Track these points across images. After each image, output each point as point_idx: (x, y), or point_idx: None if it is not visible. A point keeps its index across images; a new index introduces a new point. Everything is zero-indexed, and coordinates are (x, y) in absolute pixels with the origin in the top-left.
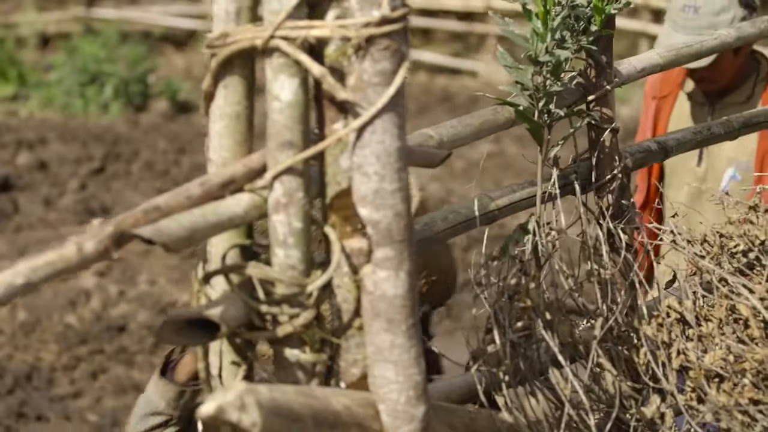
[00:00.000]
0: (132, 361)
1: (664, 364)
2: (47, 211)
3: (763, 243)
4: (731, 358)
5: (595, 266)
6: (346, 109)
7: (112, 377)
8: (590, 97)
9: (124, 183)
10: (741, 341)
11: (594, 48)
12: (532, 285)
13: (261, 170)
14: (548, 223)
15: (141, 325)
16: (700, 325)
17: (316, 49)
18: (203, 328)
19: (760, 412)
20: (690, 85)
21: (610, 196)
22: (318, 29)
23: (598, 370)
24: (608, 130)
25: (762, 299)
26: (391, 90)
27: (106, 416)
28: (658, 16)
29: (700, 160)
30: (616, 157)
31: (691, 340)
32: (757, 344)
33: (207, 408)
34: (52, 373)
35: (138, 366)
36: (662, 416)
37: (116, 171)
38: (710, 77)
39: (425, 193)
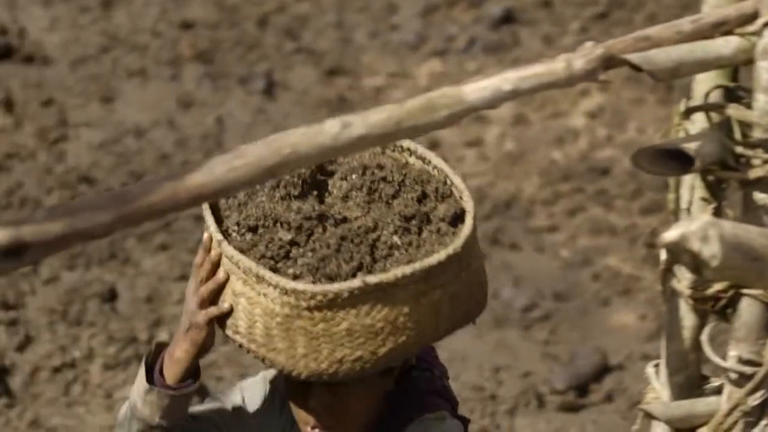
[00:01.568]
0: (611, 204)
1: None
2: (546, 48)
3: None
4: None
5: None
6: None
7: (590, 217)
8: None
9: (626, 31)
10: None
11: None
12: None
13: (753, 16)
14: None
15: (624, 171)
16: None
17: None
18: (678, 161)
19: None
20: None
21: None
22: None
23: None
24: None
25: None
26: None
27: (578, 254)
28: None
29: None
30: None
31: None
32: None
33: (670, 234)
34: (531, 205)
35: (616, 210)
36: None
37: (619, 18)
38: None
39: None
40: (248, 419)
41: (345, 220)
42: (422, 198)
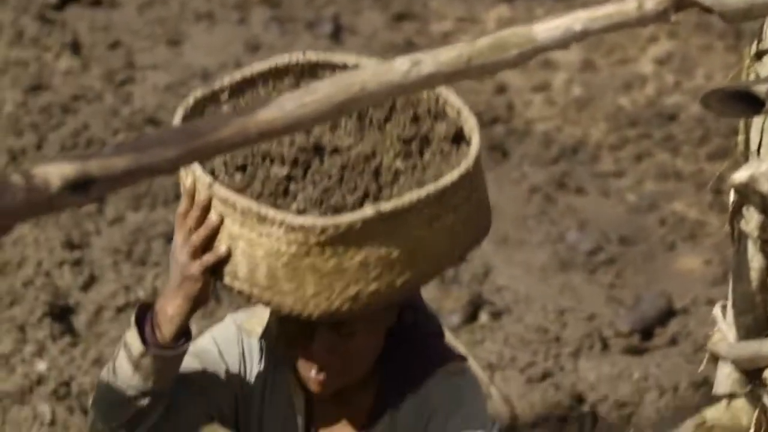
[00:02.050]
0: (678, 149)
1: None
2: None
3: None
4: None
5: None
6: None
7: (656, 162)
8: None
9: None
10: None
11: None
12: None
13: None
14: None
15: (692, 117)
16: None
17: None
18: (747, 103)
19: None
20: None
21: None
22: None
23: None
24: None
25: None
26: None
27: (644, 198)
28: None
29: None
30: None
31: None
32: None
33: (740, 175)
34: (598, 150)
35: (683, 155)
36: None
37: None
38: None
39: None
40: (229, 373)
41: (339, 149)
42: (415, 120)
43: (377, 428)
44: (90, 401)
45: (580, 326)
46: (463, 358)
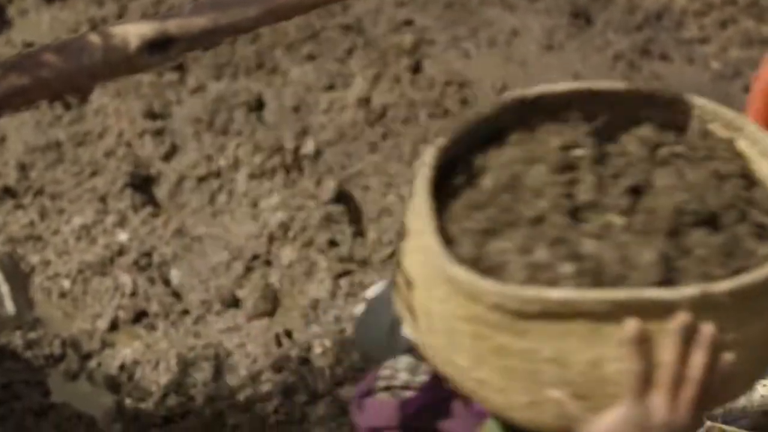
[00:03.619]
0: (763, 16)
1: None
2: None
3: None
4: None
5: None
6: None
7: (741, 29)
8: None
9: None
10: None
11: None
12: None
13: None
14: None
15: None
16: None
17: None
18: None
19: None
20: None
21: None
22: None
23: None
24: None
25: None
26: None
27: (729, 65)
28: None
29: None
30: None
31: None
32: None
33: None
34: (682, 16)
35: None
36: None
37: None
38: None
39: None
40: None
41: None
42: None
43: None
44: None
45: None
46: None
